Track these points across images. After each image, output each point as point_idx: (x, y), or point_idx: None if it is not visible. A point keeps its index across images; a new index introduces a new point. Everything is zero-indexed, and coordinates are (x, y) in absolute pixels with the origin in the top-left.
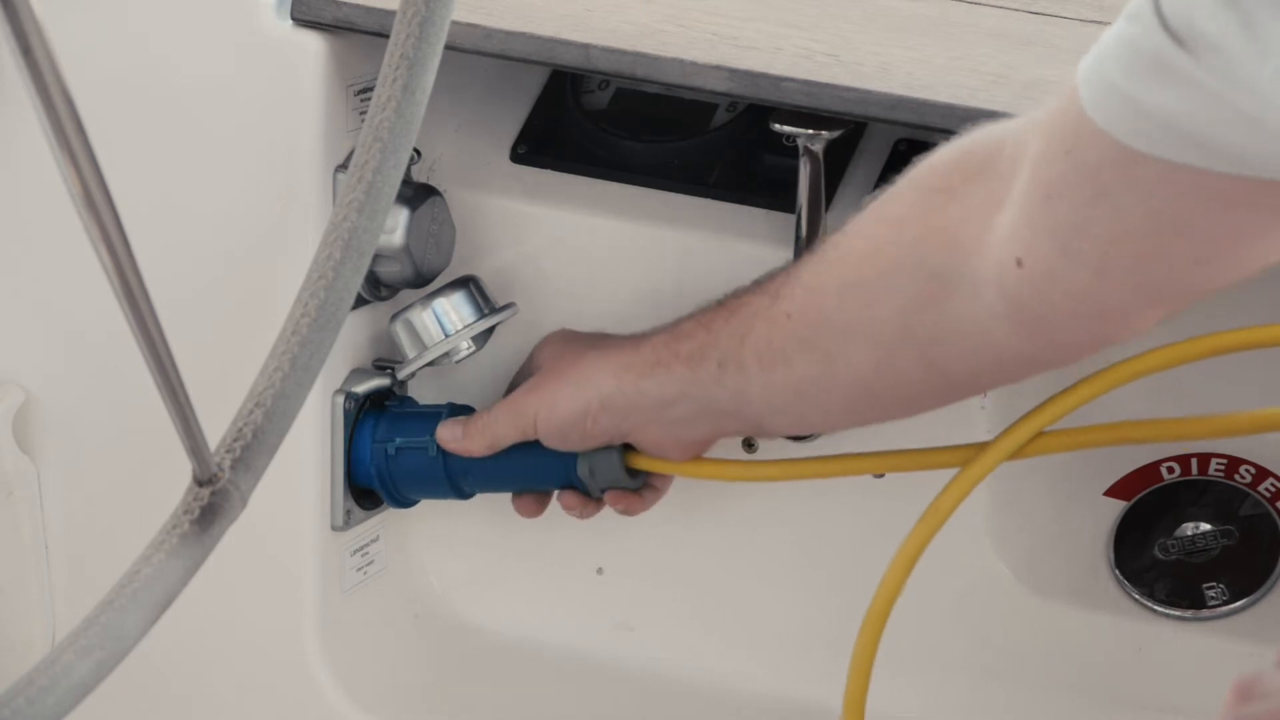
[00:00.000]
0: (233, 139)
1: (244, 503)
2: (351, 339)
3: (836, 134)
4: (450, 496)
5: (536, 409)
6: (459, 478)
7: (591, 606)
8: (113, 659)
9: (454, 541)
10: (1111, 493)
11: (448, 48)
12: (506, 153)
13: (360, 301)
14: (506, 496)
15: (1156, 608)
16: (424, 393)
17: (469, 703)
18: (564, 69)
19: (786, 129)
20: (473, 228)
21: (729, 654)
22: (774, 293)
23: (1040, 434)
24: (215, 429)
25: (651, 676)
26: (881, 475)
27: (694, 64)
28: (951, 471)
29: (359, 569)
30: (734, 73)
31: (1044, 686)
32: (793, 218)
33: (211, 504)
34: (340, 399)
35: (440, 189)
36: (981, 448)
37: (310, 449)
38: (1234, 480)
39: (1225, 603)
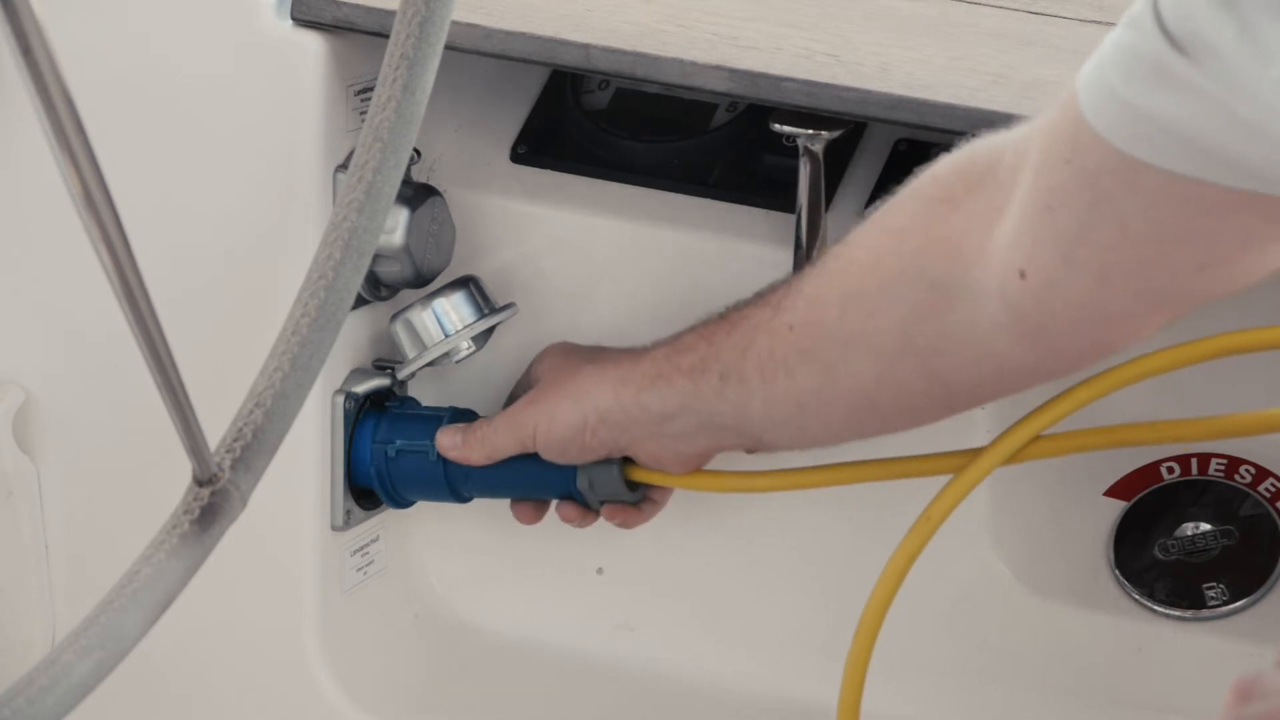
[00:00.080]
0: (233, 139)
1: (244, 503)
2: (351, 339)
3: (836, 134)
4: (449, 500)
5: (535, 423)
6: (458, 483)
7: (591, 607)
8: (113, 659)
9: (454, 542)
10: (1111, 493)
11: (448, 48)
12: (506, 153)
13: (360, 301)
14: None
15: (1156, 608)
16: (424, 393)
17: (469, 703)
18: (564, 69)
19: (786, 129)
20: (473, 228)
21: (729, 654)
22: (775, 304)
23: (1036, 438)
24: (215, 429)
25: (651, 676)
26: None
27: (694, 64)
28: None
29: (359, 569)
30: (734, 73)
31: (1044, 687)
32: (793, 218)
33: (211, 504)
34: (340, 399)
35: (440, 189)
36: (977, 453)
37: (310, 449)
38: (1234, 480)
39: (1225, 603)
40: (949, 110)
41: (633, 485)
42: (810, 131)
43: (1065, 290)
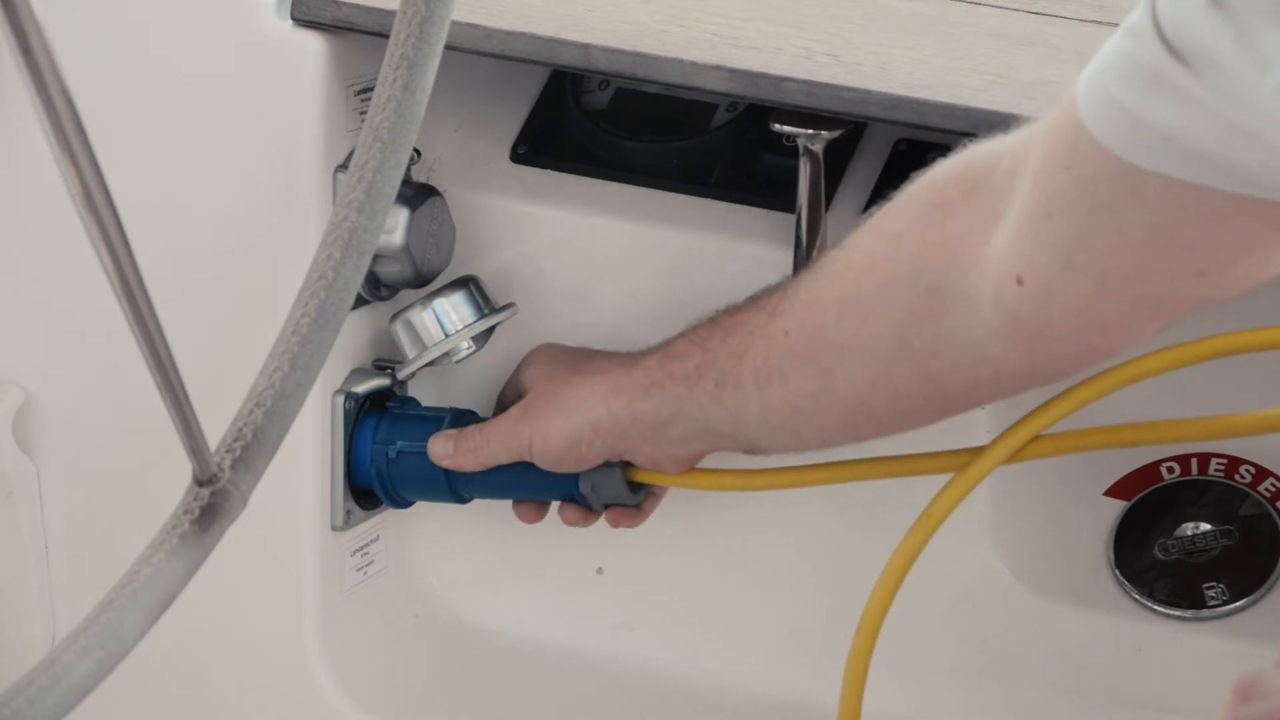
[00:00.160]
0: (233, 139)
1: (244, 503)
2: (351, 339)
3: (836, 134)
4: (449, 500)
5: (530, 437)
6: (459, 485)
7: (591, 607)
8: (113, 659)
9: (454, 541)
10: (1111, 493)
11: (448, 48)
12: (506, 153)
13: (360, 301)
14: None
15: (1156, 608)
16: (424, 393)
17: (469, 703)
18: (564, 69)
19: (786, 129)
20: (473, 228)
21: (729, 654)
22: (771, 309)
23: (1036, 438)
24: (215, 429)
25: (651, 676)
26: None
27: (694, 64)
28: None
29: (359, 569)
30: (734, 73)
31: (1044, 687)
32: (793, 218)
33: (211, 504)
34: (340, 399)
35: (440, 189)
36: (977, 452)
37: (310, 449)
38: (1234, 480)
39: (1225, 603)
40: (949, 110)
41: (634, 487)
42: (810, 131)
43: (1063, 296)
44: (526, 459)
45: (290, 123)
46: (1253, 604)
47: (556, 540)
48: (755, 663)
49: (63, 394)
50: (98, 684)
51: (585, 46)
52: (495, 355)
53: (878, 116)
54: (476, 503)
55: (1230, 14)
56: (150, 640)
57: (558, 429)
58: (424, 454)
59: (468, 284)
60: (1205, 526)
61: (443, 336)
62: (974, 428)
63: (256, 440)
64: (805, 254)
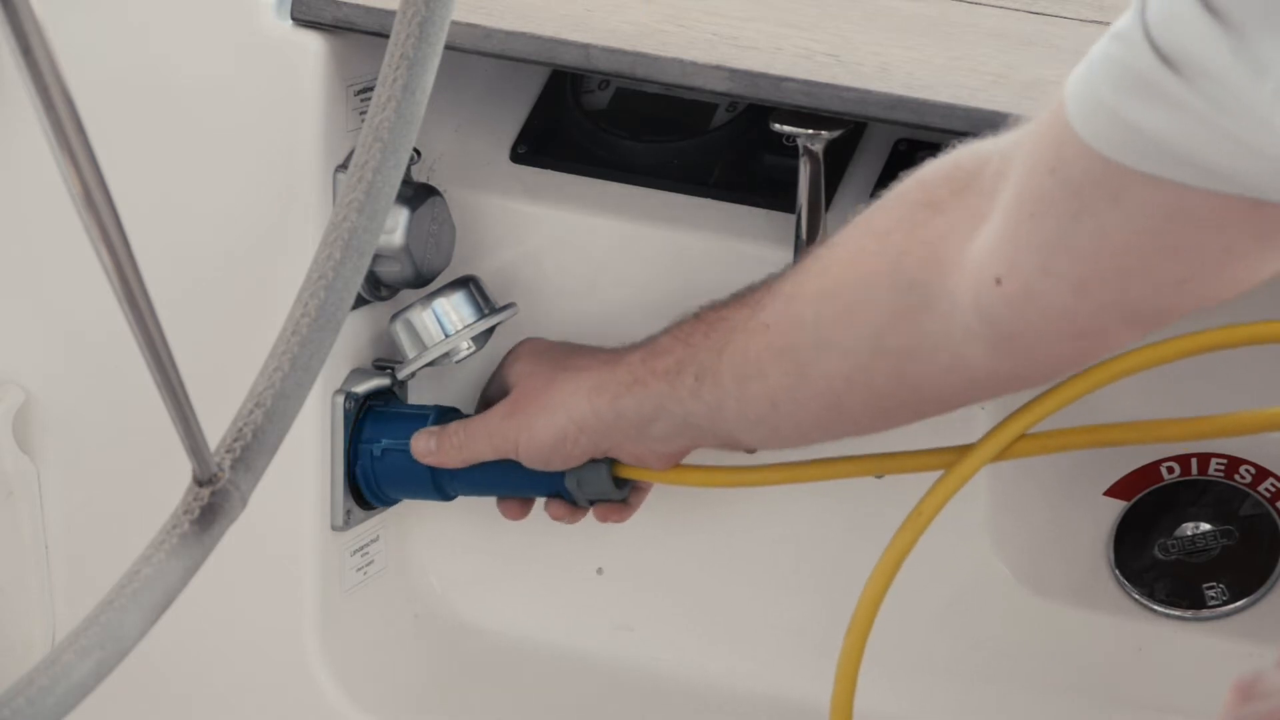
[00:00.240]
0: (233, 139)
1: (244, 503)
2: (351, 339)
3: (836, 134)
4: (433, 498)
5: (516, 437)
6: (444, 482)
7: (591, 607)
8: (113, 659)
9: (454, 541)
10: (1111, 493)
11: (448, 48)
12: (506, 153)
13: (360, 301)
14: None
15: (1156, 608)
16: (424, 393)
17: (469, 703)
18: (564, 69)
19: (786, 129)
20: (473, 228)
21: (729, 654)
22: (754, 304)
23: (1023, 436)
24: (215, 429)
25: (651, 676)
26: (881, 475)
27: (694, 64)
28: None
29: (359, 569)
30: (734, 73)
31: (1044, 687)
32: (793, 218)
33: (211, 504)
34: (340, 399)
35: (440, 189)
36: (965, 450)
37: (310, 449)
38: (1234, 480)
39: (1225, 603)
40: (949, 110)
41: (619, 482)
42: (810, 131)
43: (1041, 299)
44: (513, 457)
45: (290, 123)
46: (1253, 604)
47: (556, 540)
48: (754, 663)
49: (63, 394)
50: (98, 684)
51: (585, 46)
52: (495, 355)
53: (878, 116)
54: (476, 503)
55: (1225, 21)
56: (150, 640)
57: (543, 426)
58: (408, 452)
59: (468, 284)
60: (1205, 526)
61: (443, 336)
62: (973, 423)
63: (256, 440)
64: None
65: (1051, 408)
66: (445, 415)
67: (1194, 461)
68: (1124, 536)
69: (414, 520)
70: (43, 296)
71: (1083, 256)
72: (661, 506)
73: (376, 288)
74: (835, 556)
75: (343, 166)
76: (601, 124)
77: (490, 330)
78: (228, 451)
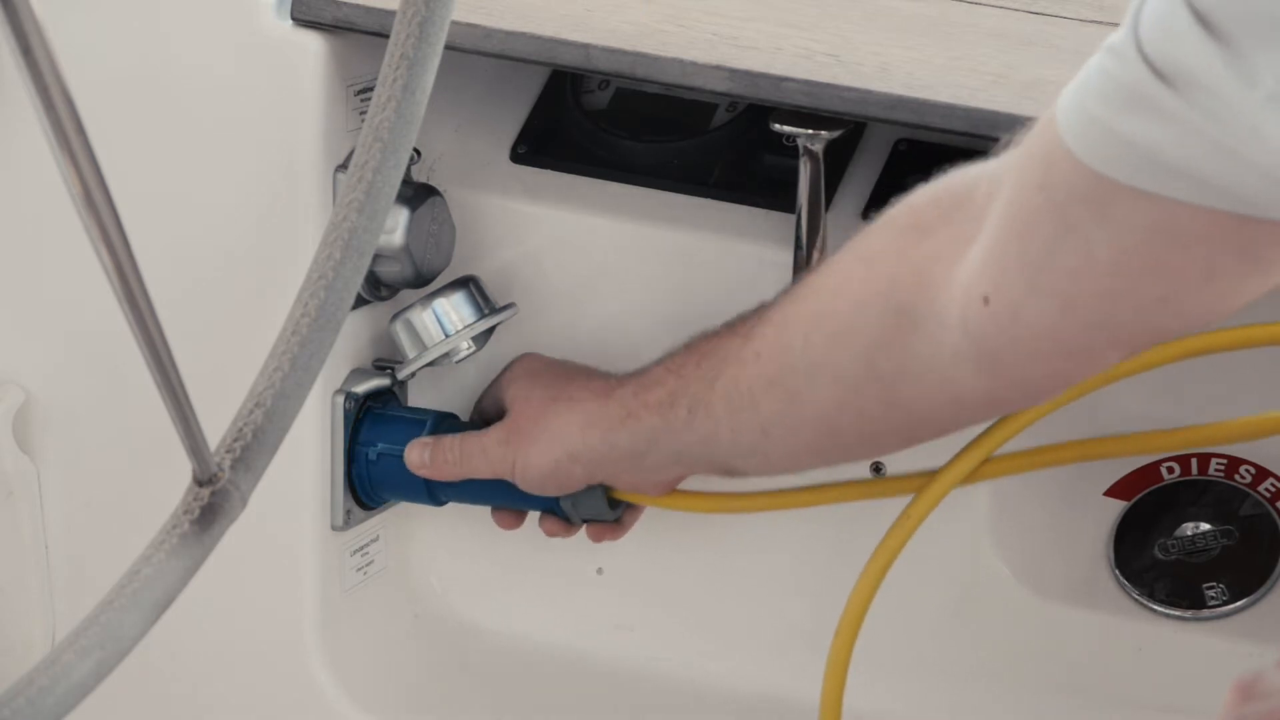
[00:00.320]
0: (233, 139)
1: (244, 503)
2: (351, 339)
3: (836, 134)
4: (426, 503)
5: (513, 463)
6: (439, 491)
7: (591, 607)
8: (113, 659)
9: (454, 541)
10: (1111, 493)
11: (448, 48)
12: (506, 153)
13: (360, 301)
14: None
15: (1156, 608)
16: (424, 392)
17: (468, 703)
18: (564, 69)
19: (786, 129)
20: (473, 228)
21: (728, 654)
22: (745, 334)
23: (988, 460)
24: (215, 429)
25: (650, 676)
26: (880, 470)
27: (694, 64)
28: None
29: (359, 569)
30: (734, 73)
31: (1044, 686)
32: (793, 218)
33: (211, 504)
34: (340, 399)
35: (440, 189)
36: (932, 476)
37: (310, 449)
38: (1234, 480)
39: (1225, 603)
40: (949, 110)
41: (613, 504)
42: (810, 131)
43: (1027, 318)
44: (508, 480)
45: (290, 123)
46: (1253, 604)
47: (556, 542)
48: (752, 663)
49: (63, 394)
50: (98, 684)
51: (585, 46)
52: (495, 355)
53: (878, 116)
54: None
55: (1218, 35)
56: (150, 640)
57: (536, 458)
58: (403, 458)
59: (468, 284)
60: (1205, 526)
61: (443, 336)
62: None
63: (256, 440)
64: (805, 254)
65: (1023, 422)
66: (442, 422)
67: (1194, 461)
68: (1124, 536)
69: (414, 521)
70: (43, 296)
71: (1069, 275)
72: (661, 509)
73: (376, 288)
74: (834, 557)
75: (343, 166)
76: (601, 124)
77: (490, 330)
78: (228, 451)
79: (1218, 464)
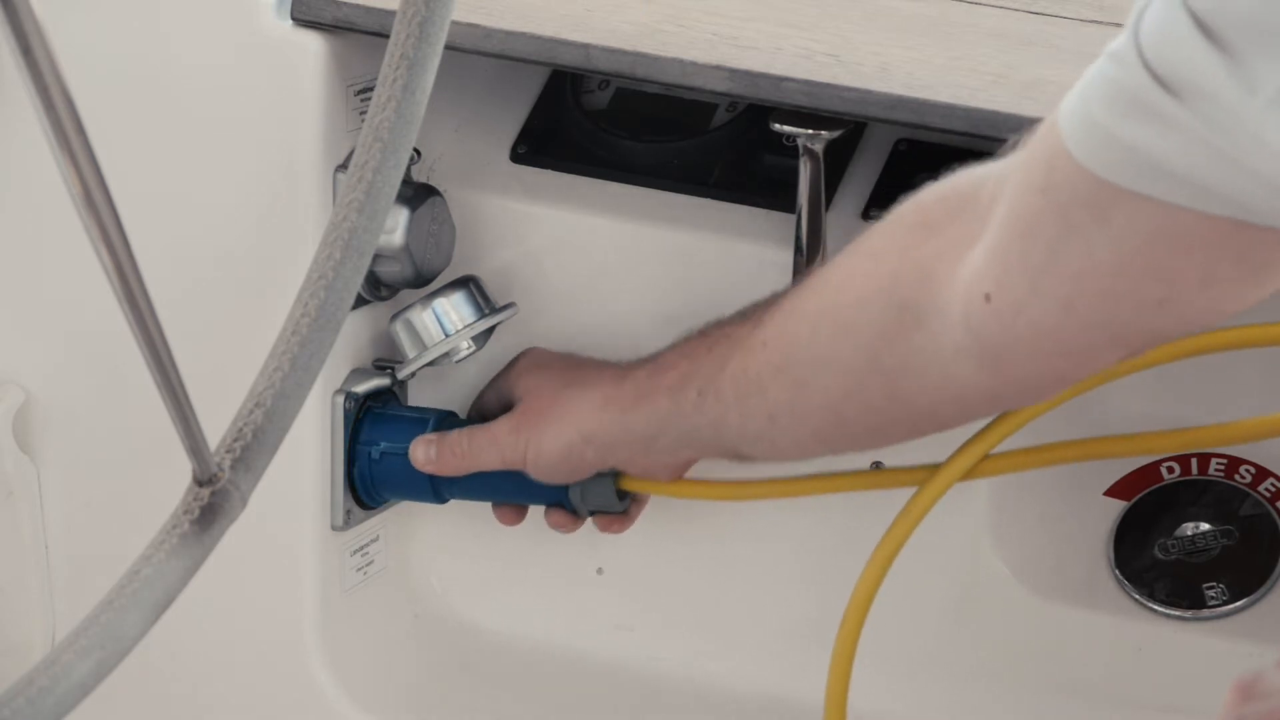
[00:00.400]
0: (233, 139)
1: (244, 503)
2: (351, 339)
3: (836, 134)
4: (429, 501)
5: (524, 449)
6: (443, 488)
7: (591, 606)
8: (113, 659)
9: (454, 541)
10: (1111, 493)
11: (448, 48)
12: (506, 153)
13: (360, 301)
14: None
15: (1156, 608)
16: (424, 392)
17: (469, 703)
18: (564, 69)
19: (786, 129)
20: (473, 228)
21: (729, 654)
22: (755, 321)
23: (990, 455)
24: (215, 429)
25: (650, 676)
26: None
27: (694, 64)
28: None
29: (359, 569)
30: (734, 73)
31: (1044, 687)
32: (793, 218)
33: (211, 504)
34: (340, 399)
35: (440, 189)
36: (934, 470)
37: (310, 449)
38: (1234, 480)
39: (1225, 603)
40: (949, 110)
41: (622, 495)
42: (810, 131)
43: (1029, 317)
44: (520, 469)
45: (290, 123)
46: (1253, 604)
47: (556, 541)
48: (753, 662)
49: (63, 394)
50: (98, 684)
51: (585, 46)
52: (495, 355)
53: (878, 116)
54: (476, 504)
55: (1219, 43)
56: (150, 640)
57: (550, 441)
58: (407, 456)
59: (468, 284)
60: (1205, 526)
61: (443, 336)
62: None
63: (256, 440)
64: (805, 254)
65: (1020, 421)
66: (444, 421)
67: (1194, 461)
68: (1124, 536)
69: (414, 520)
70: (43, 296)
71: (1070, 276)
72: (661, 507)
73: (376, 288)
74: (834, 556)
75: (343, 166)
76: (601, 124)
77: (490, 330)
78: (228, 451)
79: (1218, 464)
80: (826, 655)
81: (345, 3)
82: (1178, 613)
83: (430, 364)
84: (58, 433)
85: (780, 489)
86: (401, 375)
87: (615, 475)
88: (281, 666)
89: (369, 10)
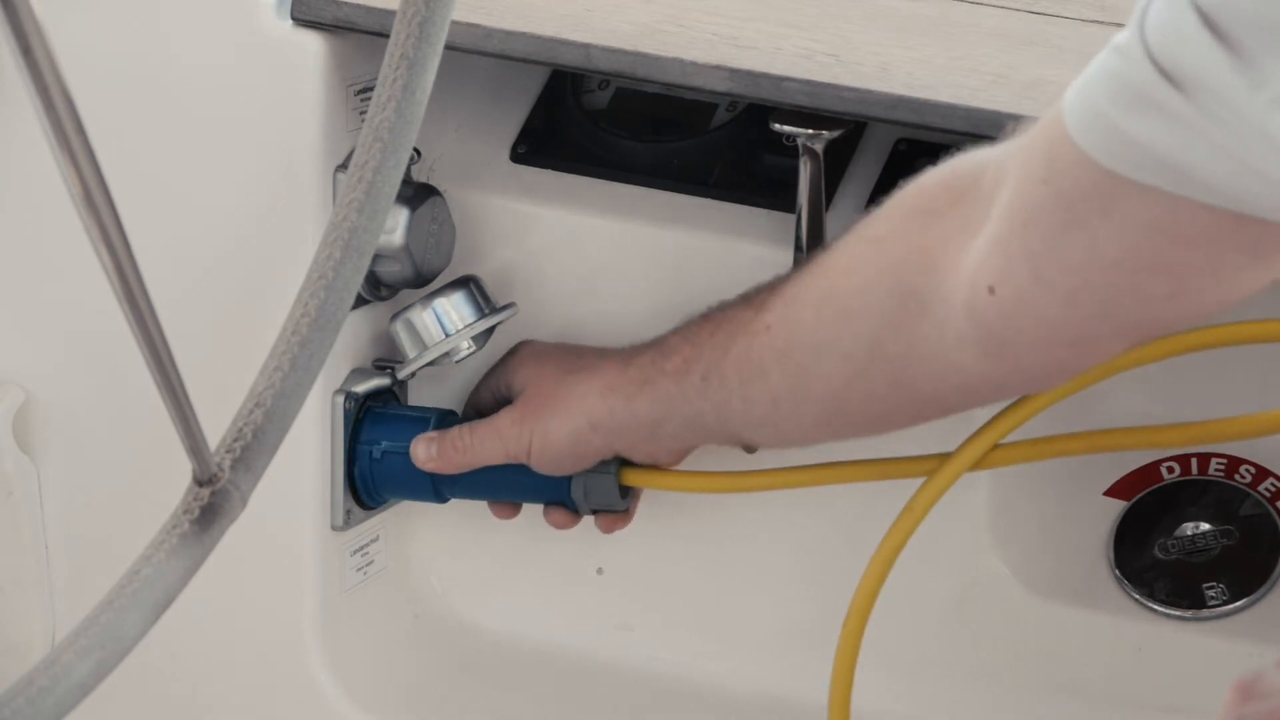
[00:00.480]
0: (233, 139)
1: (244, 503)
2: (351, 339)
3: (837, 134)
4: (429, 500)
5: (529, 440)
6: (445, 487)
7: (591, 606)
8: (113, 659)
9: (454, 542)
10: (1111, 493)
11: (448, 48)
12: (506, 153)
13: (360, 301)
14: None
15: (1156, 608)
16: (424, 393)
17: (469, 703)
18: (564, 69)
19: (787, 129)
20: (473, 228)
21: (729, 654)
22: (758, 305)
23: (995, 447)
24: (215, 429)
25: (651, 676)
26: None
27: (694, 64)
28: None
29: (359, 569)
30: (734, 73)
31: (1044, 687)
32: (793, 218)
33: (211, 504)
34: (340, 399)
35: (440, 189)
36: (945, 458)
37: (310, 449)
38: (1234, 480)
39: (1225, 603)
40: (949, 110)
41: (624, 492)
42: (810, 131)
43: (1032, 308)
44: (524, 461)
45: (290, 123)
46: (1253, 604)
47: (556, 541)
48: (753, 662)
49: (63, 394)
50: (98, 684)
51: (585, 46)
52: (495, 355)
53: (878, 116)
54: (476, 503)
55: (1225, 39)
56: (150, 640)
57: (557, 428)
58: (408, 454)
59: (468, 284)
60: (1205, 526)
61: (443, 336)
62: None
63: (256, 440)
64: (805, 254)
65: (1031, 411)
66: (445, 420)
67: (1194, 461)
68: (1124, 536)
69: (414, 520)
70: (43, 296)
71: (1073, 268)
72: (661, 507)
73: (376, 288)
74: (834, 556)
75: (343, 166)
76: (601, 124)
77: (490, 330)
78: (228, 451)
79: (1218, 464)
80: (827, 655)
81: (345, 3)
82: (1178, 613)
83: (430, 364)
84: (58, 433)
85: (785, 479)
86: (401, 375)
87: (617, 471)
88: (281, 666)
89: (369, 10)
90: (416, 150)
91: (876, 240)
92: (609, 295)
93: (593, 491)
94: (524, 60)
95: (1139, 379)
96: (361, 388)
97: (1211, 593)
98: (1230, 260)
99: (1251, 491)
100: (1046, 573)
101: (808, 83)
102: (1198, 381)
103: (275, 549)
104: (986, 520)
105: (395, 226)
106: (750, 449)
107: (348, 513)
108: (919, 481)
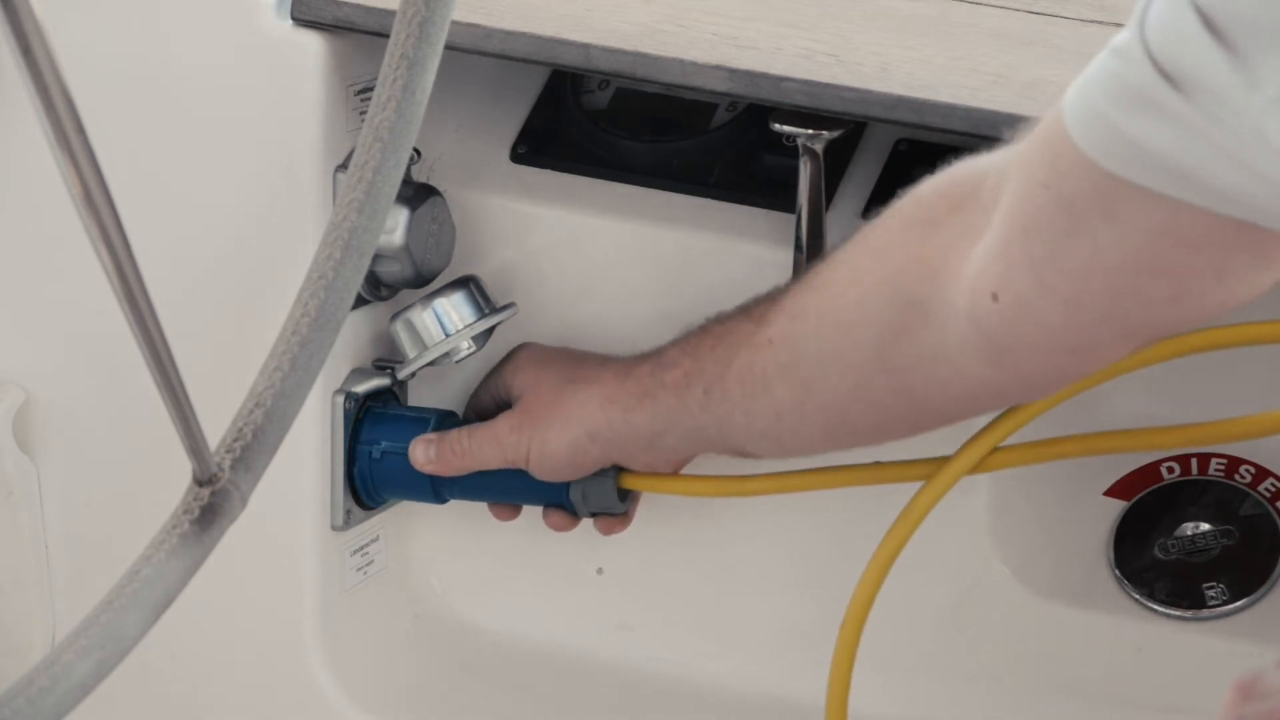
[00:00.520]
0: (233, 139)
1: (244, 503)
2: (351, 339)
3: (837, 134)
4: (428, 501)
5: (528, 447)
6: (443, 488)
7: (591, 606)
8: (113, 659)
9: (454, 541)
10: (1111, 493)
11: (448, 48)
12: (506, 153)
13: (360, 301)
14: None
15: (1156, 608)
16: (424, 393)
17: (469, 703)
18: (564, 69)
19: (786, 129)
20: (473, 228)
21: (729, 654)
22: (758, 318)
23: (995, 450)
24: (215, 429)
25: (650, 676)
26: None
27: (694, 64)
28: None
29: (359, 569)
30: (734, 73)
31: (1044, 687)
32: (793, 218)
33: (211, 504)
34: (340, 399)
35: (440, 189)
36: (944, 461)
37: (310, 449)
38: (1234, 480)
39: (1225, 603)
40: (949, 110)
41: (623, 495)
42: (810, 131)
43: (1035, 314)
44: (523, 467)
45: (290, 122)
46: (1253, 604)
47: (556, 541)
48: (753, 662)
49: (63, 394)
50: (98, 684)
51: (585, 46)
52: (495, 355)
53: (878, 116)
54: (475, 504)
55: (1225, 40)
56: (150, 640)
57: (555, 438)
58: (407, 455)
59: (468, 284)
60: (1205, 526)
61: (443, 336)
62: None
63: (256, 440)
64: (805, 254)
65: (1031, 413)
66: (444, 420)
67: (1194, 461)
68: (1124, 536)
69: (414, 520)
70: (43, 296)
71: (1075, 272)
72: (661, 507)
73: (376, 288)
74: (833, 556)
75: (343, 166)
76: (601, 124)
77: (490, 330)
78: (228, 451)
79: (1218, 464)
80: (826, 655)
81: (345, 3)
82: (1178, 613)
83: (430, 364)
84: (58, 433)
85: (783, 483)
86: (401, 375)
87: (616, 475)
88: (281, 666)
89: (369, 10)
90: (416, 150)
91: (876, 252)
92: (609, 295)
93: (591, 495)
94: (524, 60)
95: (1139, 380)
96: (361, 388)
97: (1211, 593)
98: (1233, 262)
99: (1251, 491)
100: (1046, 573)
101: (807, 83)
102: (1198, 382)
103: (275, 549)
104: (986, 520)
105: (395, 226)
106: (748, 458)
107: (348, 513)
108: (919, 485)
